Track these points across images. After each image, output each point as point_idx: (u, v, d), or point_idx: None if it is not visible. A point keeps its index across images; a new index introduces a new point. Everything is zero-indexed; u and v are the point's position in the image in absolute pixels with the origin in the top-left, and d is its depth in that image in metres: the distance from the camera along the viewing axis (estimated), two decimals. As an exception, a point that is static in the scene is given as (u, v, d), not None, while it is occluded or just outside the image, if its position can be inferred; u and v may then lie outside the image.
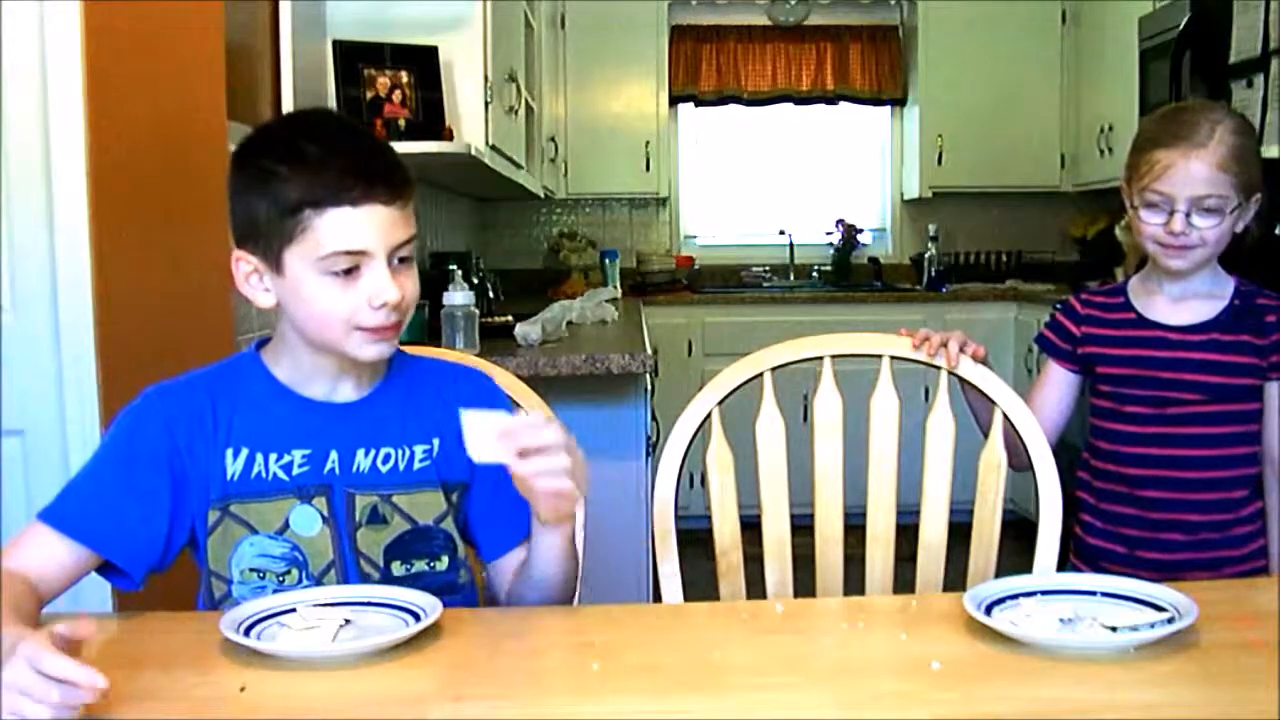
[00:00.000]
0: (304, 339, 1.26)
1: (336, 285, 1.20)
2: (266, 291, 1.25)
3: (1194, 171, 1.58)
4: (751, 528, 1.61)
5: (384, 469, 1.29)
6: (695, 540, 1.76)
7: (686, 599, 1.51)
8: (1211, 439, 1.66)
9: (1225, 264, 1.71)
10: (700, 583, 1.56)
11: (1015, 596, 1.20)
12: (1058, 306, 1.83)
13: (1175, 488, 1.66)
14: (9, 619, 1.00)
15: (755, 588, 1.59)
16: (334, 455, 1.27)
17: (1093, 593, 1.22)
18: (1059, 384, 1.78)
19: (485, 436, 1.14)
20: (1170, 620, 1.10)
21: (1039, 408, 1.69)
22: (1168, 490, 1.66)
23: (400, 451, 1.30)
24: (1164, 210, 1.61)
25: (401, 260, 1.23)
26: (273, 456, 1.26)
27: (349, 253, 1.19)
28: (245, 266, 1.25)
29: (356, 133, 1.29)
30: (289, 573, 1.26)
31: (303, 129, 1.26)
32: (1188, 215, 1.60)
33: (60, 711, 0.89)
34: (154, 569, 1.24)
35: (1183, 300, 1.70)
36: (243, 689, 1.00)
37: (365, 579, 1.27)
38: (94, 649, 1.09)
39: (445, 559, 1.32)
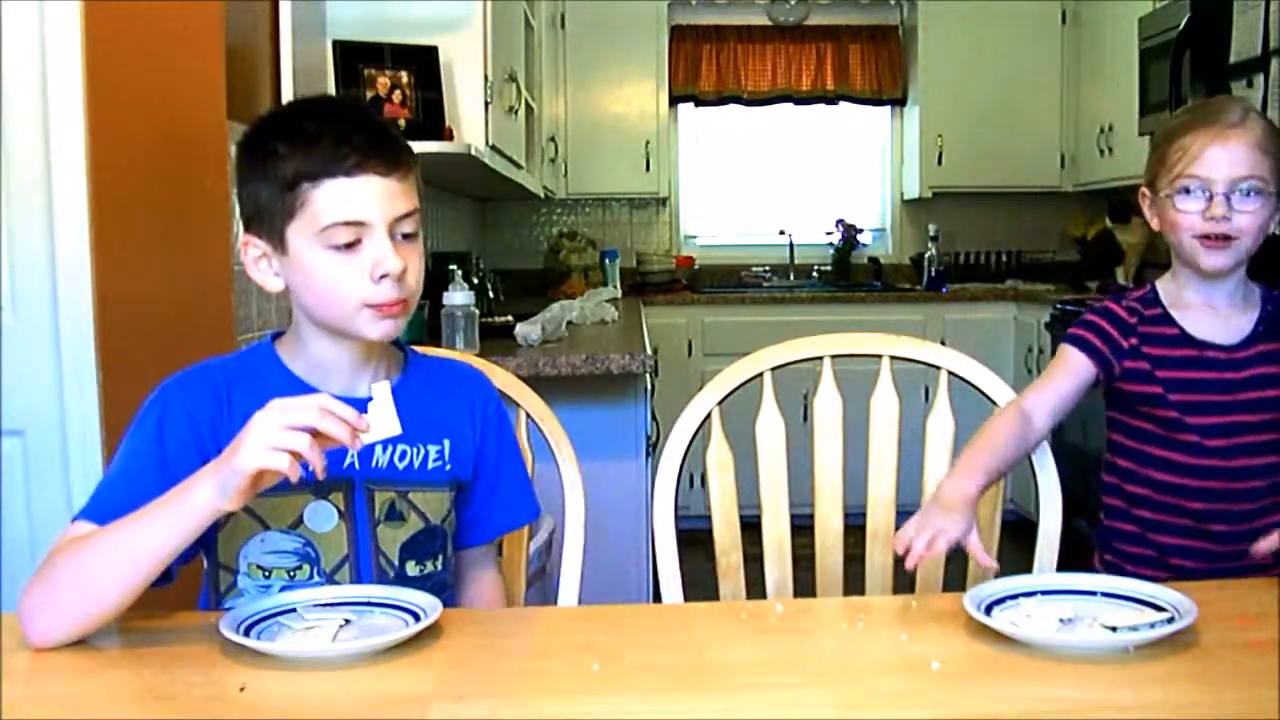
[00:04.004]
0: (314, 323, 1.26)
1: (339, 259, 1.20)
2: (276, 276, 1.25)
3: (1232, 151, 1.49)
4: (751, 528, 1.61)
5: (400, 465, 1.30)
6: (695, 540, 1.76)
7: (686, 599, 1.51)
8: (1276, 461, 1.54)
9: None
10: (700, 583, 1.56)
11: (1015, 596, 1.20)
12: (1094, 308, 1.66)
13: (1240, 520, 1.53)
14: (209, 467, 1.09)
15: (755, 588, 1.59)
16: (353, 450, 1.27)
17: (1093, 593, 1.22)
18: (1079, 378, 1.60)
19: (391, 410, 1.12)
20: (1170, 620, 1.10)
21: (1050, 397, 1.58)
22: (1233, 523, 1.53)
23: (415, 450, 1.31)
24: (1202, 196, 1.51)
25: (406, 236, 1.23)
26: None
27: (348, 223, 1.19)
28: (254, 251, 1.25)
29: (352, 108, 1.31)
30: (300, 568, 1.26)
31: (300, 110, 1.28)
32: (1228, 199, 1.50)
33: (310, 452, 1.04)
34: (186, 561, 1.23)
35: (1220, 313, 1.58)
36: (243, 689, 1.00)
37: (381, 575, 1.28)
38: (92, 649, 1.10)
39: (441, 559, 1.34)
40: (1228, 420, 1.54)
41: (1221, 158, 1.49)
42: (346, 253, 1.19)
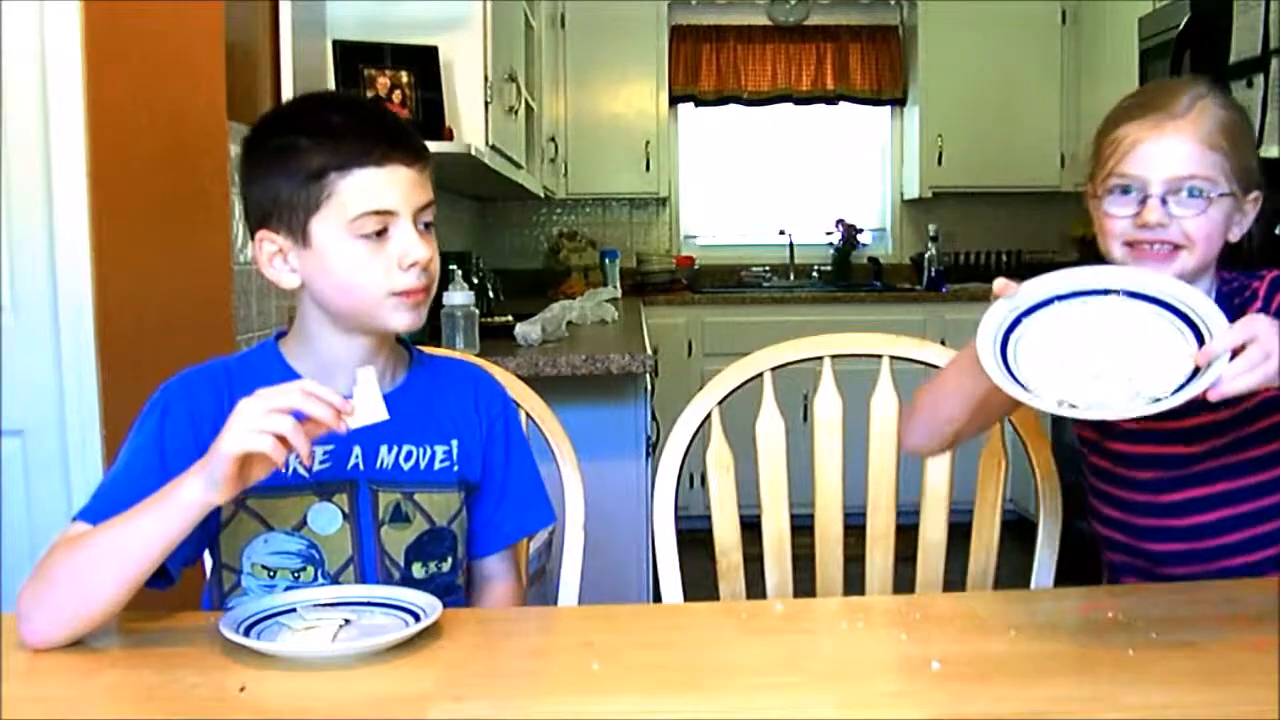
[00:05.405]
0: (333, 316, 1.25)
1: (366, 249, 1.20)
2: (292, 272, 1.24)
3: (1171, 145, 1.29)
4: (751, 528, 1.61)
5: (406, 466, 1.30)
6: (695, 540, 1.76)
7: (686, 599, 1.51)
8: (1244, 491, 1.35)
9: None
10: (700, 583, 1.56)
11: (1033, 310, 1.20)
12: None
13: (1205, 558, 1.37)
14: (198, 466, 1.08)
15: (755, 588, 1.59)
16: (357, 450, 1.27)
17: (1114, 291, 1.18)
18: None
19: (377, 395, 1.12)
20: (1195, 374, 1.07)
21: (975, 405, 1.33)
22: (1197, 564, 1.38)
23: (422, 450, 1.31)
24: (1134, 199, 1.31)
25: (427, 226, 1.25)
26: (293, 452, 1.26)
27: (377, 213, 1.20)
28: (269, 247, 1.24)
29: (368, 102, 1.32)
30: (304, 570, 1.26)
31: (318, 104, 1.29)
32: (1164, 202, 1.29)
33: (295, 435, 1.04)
34: (187, 563, 1.24)
35: None
36: (243, 689, 1.00)
37: (386, 576, 1.28)
38: (92, 649, 1.10)
39: (450, 560, 1.33)
40: (1174, 451, 1.37)
41: (1157, 154, 1.29)
42: (374, 242, 1.20)
